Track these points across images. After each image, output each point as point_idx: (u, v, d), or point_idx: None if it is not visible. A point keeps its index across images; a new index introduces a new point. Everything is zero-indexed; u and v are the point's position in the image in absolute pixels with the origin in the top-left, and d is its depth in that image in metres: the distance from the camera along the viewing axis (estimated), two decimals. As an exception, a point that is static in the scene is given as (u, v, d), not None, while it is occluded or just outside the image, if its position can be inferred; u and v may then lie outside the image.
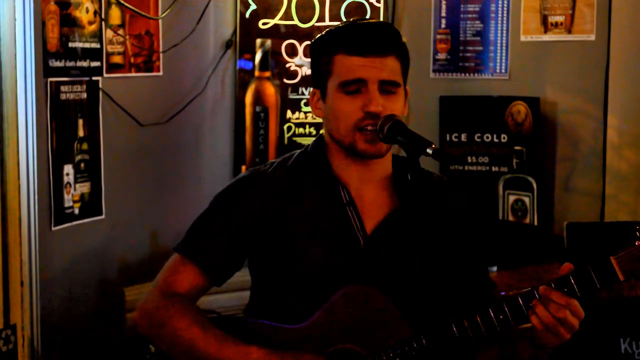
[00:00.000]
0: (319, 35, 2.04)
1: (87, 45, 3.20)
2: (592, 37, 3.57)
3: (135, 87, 3.46)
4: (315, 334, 1.88)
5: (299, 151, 2.08)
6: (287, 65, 3.86)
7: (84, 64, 3.19)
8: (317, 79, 2.01)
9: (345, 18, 3.80)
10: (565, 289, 1.80)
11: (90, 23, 3.21)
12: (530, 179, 3.64)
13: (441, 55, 3.95)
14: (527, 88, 3.73)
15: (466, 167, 3.80)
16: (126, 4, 3.34)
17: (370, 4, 3.86)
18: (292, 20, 3.83)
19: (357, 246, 1.95)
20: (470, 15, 3.88)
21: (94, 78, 3.24)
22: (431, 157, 1.82)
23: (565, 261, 1.88)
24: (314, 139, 2.09)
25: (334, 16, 3.82)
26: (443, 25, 3.94)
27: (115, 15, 3.34)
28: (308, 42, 3.73)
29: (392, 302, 1.89)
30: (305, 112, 3.88)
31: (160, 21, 3.52)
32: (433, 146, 1.81)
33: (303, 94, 3.87)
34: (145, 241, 3.55)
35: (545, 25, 3.68)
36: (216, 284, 2.02)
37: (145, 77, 3.51)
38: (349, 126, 1.93)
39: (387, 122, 1.87)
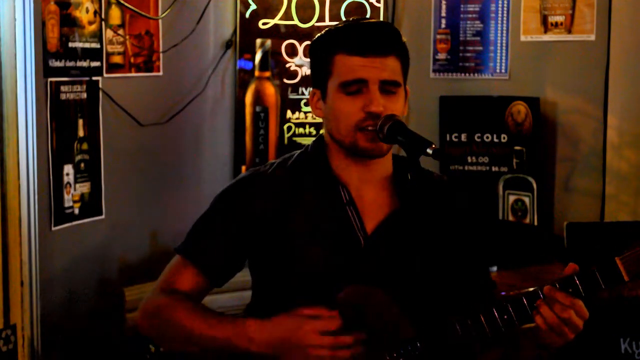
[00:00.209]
0: (318, 35, 2.03)
1: (87, 45, 3.20)
2: (592, 37, 3.57)
3: (135, 87, 3.46)
4: None
5: (299, 151, 2.08)
6: (287, 65, 3.85)
7: (84, 64, 3.19)
8: (317, 79, 2.01)
9: (345, 18, 3.79)
10: (570, 289, 1.80)
11: (90, 23, 3.21)
12: (530, 179, 3.64)
13: (441, 55, 3.95)
14: (527, 88, 3.73)
15: (466, 167, 3.80)
16: (126, 4, 3.34)
17: (370, 4, 3.86)
18: (292, 20, 3.83)
19: (358, 246, 1.95)
20: (470, 15, 3.88)
21: (94, 78, 3.24)
22: (431, 157, 1.82)
23: (565, 261, 1.88)
24: (314, 139, 2.09)
25: (334, 16, 3.82)
26: (443, 25, 3.94)
27: (115, 15, 3.34)
28: (308, 42, 3.73)
29: (394, 302, 1.89)
30: (305, 112, 3.88)
31: (160, 21, 3.52)
32: (433, 146, 1.81)
33: (303, 94, 3.87)
34: (145, 241, 3.55)
35: (545, 25, 3.68)
36: (217, 285, 2.02)
37: (145, 77, 3.51)
38: (349, 126, 1.93)
39: (387, 122, 1.87)
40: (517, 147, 3.68)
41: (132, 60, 3.43)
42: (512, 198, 3.68)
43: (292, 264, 1.95)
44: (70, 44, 3.13)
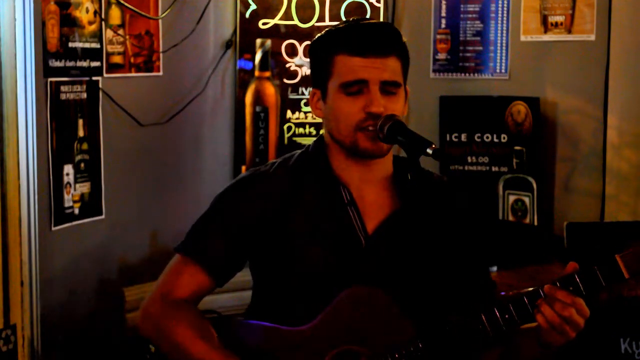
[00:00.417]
0: (318, 35, 2.03)
1: (87, 45, 3.20)
2: (592, 37, 3.57)
3: (135, 87, 3.46)
4: (319, 335, 1.88)
5: (299, 151, 2.08)
6: (287, 65, 3.86)
7: (84, 64, 3.19)
8: (317, 79, 2.01)
9: (345, 18, 3.80)
10: (571, 288, 1.81)
11: (90, 23, 3.21)
12: (530, 179, 3.64)
13: (441, 55, 3.95)
14: (527, 88, 3.73)
15: (466, 167, 3.80)
16: (126, 4, 3.34)
17: (370, 4, 3.86)
18: (292, 20, 3.83)
19: (359, 246, 1.95)
20: (470, 15, 3.88)
21: (94, 78, 3.24)
22: (431, 157, 1.82)
23: (565, 261, 1.88)
24: (314, 139, 2.09)
25: (334, 16, 3.82)
26: (443, 25, 3.94)
27: (115, 15, 3.34)
28: (308, 42, 3.73)
29: (395, 302, 1.89)
30: (305, 112, 3.88)
31: (160, 21, 3.52)
32: (433, 146, 1.81)
33: (303, 94, 3.87)
34: (145, 241, 3.55)
35: (545, 25, 3.68)
36: (219, 285, 2.02)
37: (145, 77, 3.51)
38: (350, 127, 1.93)
39: (387, 122, 1.87)
40: (517, 147, 3.68)
41: (132, 60, 3.43)
42: (512, 198, 3.68)
43: (292, 264, 1.95)
44: (70, 44, 3.13)
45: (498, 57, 3.82)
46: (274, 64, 3.83)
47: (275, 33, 3.82)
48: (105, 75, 3.29)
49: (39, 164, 2.98)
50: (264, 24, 3.82)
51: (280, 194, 1.99)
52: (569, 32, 3.63)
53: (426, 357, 1.86)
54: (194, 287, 1.99)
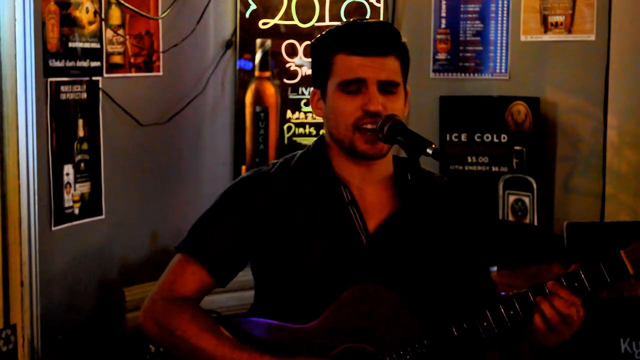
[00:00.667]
0: (319, 35, 2.04)
1: (87, 45, 3.20)
2: (592, 37, 3.57)
3: (135, 87, 3.46)
4: (324, 332, 1.88)
5: (301, 152, 2.08)
6: (287, 65, 3.86)
7: (84, 64, 3.19)
8: (318, 79, 2.01)
9: (345, 18, 3.80)
10: (576, 284, 1.81)
11: (90, 23, 3.21)
12: (530, 179, 3.64)
13: (441, 55, 3.95)
14: (527, 88, 3.73)
15: (466, 167, 3.80)
16: (126, 4, 3.34)
17: (370, 4, 3.86)
18: (292, 20, 3.83)
19: (360, 245, 1.95)
20: (470, 15, 3.88)
21: (94, 78, 3.24)
22: (431, 157, 1.82)
23: (565, 261, 1.88)
24: (314, 139, 2.09)
25: (334, 16, 3.83)
26: (443, 25, 3.94)
27: (115, 15, 3.34)
28: (308, 42, 3.73)
29: (401, 300, 1.89)
30: (305, 112, 3.88)
31: (160, 21, 3.52)
32: (433, 146, 1.81)
33: (303, 94, 3.87)
34: (145, 241, 3.56)
35: (545, 25, 3.68)
36: (221, 285, 2.02)
37: (145, 77, 3.51)
38: (348, 125, 1.93)
39: (387, 122, 1.87)
40: (517, 147, 3.68)
41: (132, 60, 3.43)
42: (512, 198, 3.68)
43: (294, 264, 1.95)
44: (70, 44, 3.13)
45: (498, 57, 3.82)
46: (274, 64, 3.83)
47: (275, 33, 3.82)
48: (105, 75, 3.29)
49: (39, 164, 2.98)
50: (264, 24, 3.82)
51: (281, 193, 1.99)
52: (569, 32, 3.63)
53: (431, 355, 1.86)
54: (196, 286, 1.99)
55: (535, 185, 3.62)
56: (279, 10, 3.82)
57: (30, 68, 2.91)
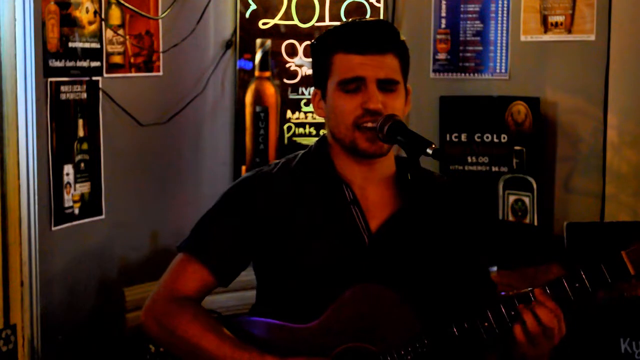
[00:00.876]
0: (318, 35, 2.04)
1: (87, 45, 3.20)
2: (592, 37, 3.57)
3: (135, 87, 3.46)
4: (326, 332, 1.88)
5: (302, 152, 2.08)
6: (287, 65, 3.86)
7: (84, 64, 3.19)
8: (318, 79, 2.02)
9: (345, 18, 3.80)
10: (577, 284, 1.80)
11: (90, 23, 3.21)
12: (530, 179, 3.64)
13: (441, 55, 3.95)
14: (527, 88, 3.73)
15: (466, 167, 3.80)
16: (126, 4, 3.34)
17: (370, 4, 3.86)
18: (292, 20, 3.83)
19: (362, 245, 1.96)
20: (470, 15, 3.88)
21: (94, 78, 3.24)
22: (431, 157, 1.82)
23: (565, 261, 1.88)
24: (314, 139, 2.10)
25: (334, 16, 3.83)
26: (443, 25, 3.94)
27: (115, 15, 3.34)
28: (308, 42, 3.74)
29: (402, 299, 1.89)
30: (305, 112, 3.88)
31: (160, 21, 3.52)
32: (433, 146, 1.81)
33: (303, 94, 3.87)
34: (145, 241, 3.56)
35: (545, 25, 3.68)
36: (223, 284, 2.02)
37: (145, 77, 3.51)
38: (348, 124, 1.93)
39: (387, 122, 1.87)
40: (517, 147, 3.68)
41: (132, 60, 3.43)
42: (512, 198, 3.68)
43: (296, 263, 1.95)
44: (70, 44, 3.13)
45: (498, 57, 3.82)
46: (274, 64, 3.83)
47: (275, 33, 3.82)
48: (105, 75, 3.29)
49: (39, 164, 2.98)
50: (264, 24, 3.82)
51: (283, 193, 1.99)
52: (569, 32, 3.63)
53: (432, 355, 1.86)
54: (197, 285, 1.99)
55: (535, 185, 3.62)
56: (279, 10, 3.82)
57: (30, 68, 2.91)
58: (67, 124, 3.15)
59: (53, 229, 3.09)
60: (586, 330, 1.84)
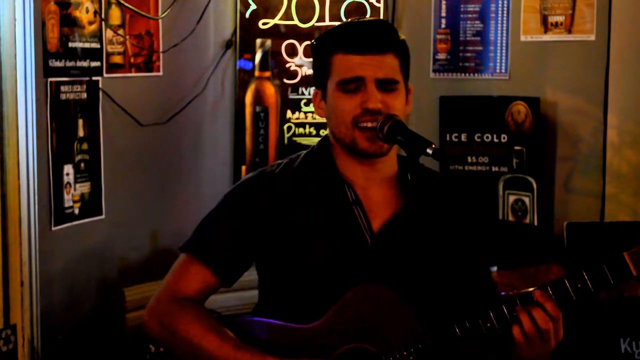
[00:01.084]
0: (318, 35, 2.04)
1: (87, 45, 3.20)
2: (592, 37, 3.57)
3: (135, 87, 3.46)
4: (328, 332, 1.88)
5: (305, 152, 2.09)
6: (287, 65, 3.86)
7: (84, 64, 3.19)
8: (318, 80, 2.02)
9: (345, 18, 3.80)
10: (579, 285, 1.80)
11: (90, 23, 3.21)
12: (530, 179, 3.64)
13: (441, 55, 3.95)
14: (527, 88, 3.73)
15: (466, 167, 3.80)
16: (126, 4, 3.34)
17: (370, 4, 3.86)
18: (292, 20, 3.83)
19: (365, 245, 1.96)
20: (470, 15, 3.88)
21: (94, 78, 3.24)
22: (431, 157, 1.82)
23: (565, 261, 1.88)
24: (314, 139, 2.10)
25: (334, 16, 3.82)
26: (443, 25, 3.94)
27: (115, 15, 3.34)
28: (308, 42, 3.74)
29: (403, 300, 1.89)
30: (305, 112, 3.88)
31: (160, 21, 3.52)
32: (433, 146, 1.81)
33: (303, 94, 3.87)
34: (145, 241, 3.55)
35: (545, 25, 3.68)
36: (226, 285, 2.02)
37: (145, 77, 3.51)
38: (348, 124, 1.93)
39: (387, 122, 1.87)
40: (517, 147, 3.68)
41: (132, 60, 3.43)
42: (512, 198, 3.68)
43: (298, 263, 1.96)
44: (70, 44, 3.13)
45: (498, 57, 3.82)
46: (274, 64, 3.83)
47: (275, 33, 3.82)
48: (105, 75, 3.29)
49: (39, 164, 2.98)
50: (264, 24, 3.82)
51: (286, 193, 1.99)
52: (569, 32, 3.63)
53: (434, 355, 1.86)
54: (200, 286, 1.99)
55: (535, 185, 3.62)
56: (279, 10, 3.82)
57: (30, 68, 2.91)
58: (67, 124, 3.15)
59: (53, 229, 3.09)
60: (586, 330, 1.83)
